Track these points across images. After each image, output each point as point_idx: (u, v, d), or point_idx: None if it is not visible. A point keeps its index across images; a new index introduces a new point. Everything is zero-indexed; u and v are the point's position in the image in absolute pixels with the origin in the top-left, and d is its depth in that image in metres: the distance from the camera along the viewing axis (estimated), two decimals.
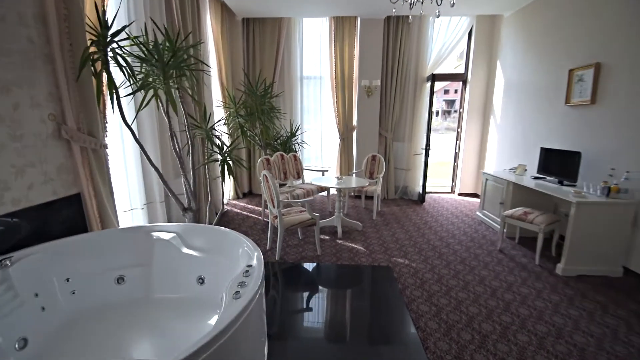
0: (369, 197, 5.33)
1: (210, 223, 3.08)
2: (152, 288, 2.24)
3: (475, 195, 5.90)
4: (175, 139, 2.81)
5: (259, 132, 4.90)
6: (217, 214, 4.68)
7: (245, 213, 4.72)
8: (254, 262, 1.76)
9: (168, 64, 2.18)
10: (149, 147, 3.05)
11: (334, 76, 5.45)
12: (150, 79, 2.31)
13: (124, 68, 2.20)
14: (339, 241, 3.72)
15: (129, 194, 3.03)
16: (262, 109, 4.72)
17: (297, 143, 5.46)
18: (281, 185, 4.75)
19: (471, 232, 4.06)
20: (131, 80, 2.27)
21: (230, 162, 3.23)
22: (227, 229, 2.25)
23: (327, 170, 4.93)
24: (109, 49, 2.11)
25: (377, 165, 4.93)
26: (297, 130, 5.50)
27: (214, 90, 4.86)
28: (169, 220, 3.63)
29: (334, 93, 5.51)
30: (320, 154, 5.94)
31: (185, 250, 2.25)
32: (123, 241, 2.27)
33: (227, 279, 1.87)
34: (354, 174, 5.26)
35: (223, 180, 3.03)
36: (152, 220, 3.24)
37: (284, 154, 4.73)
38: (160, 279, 2.25)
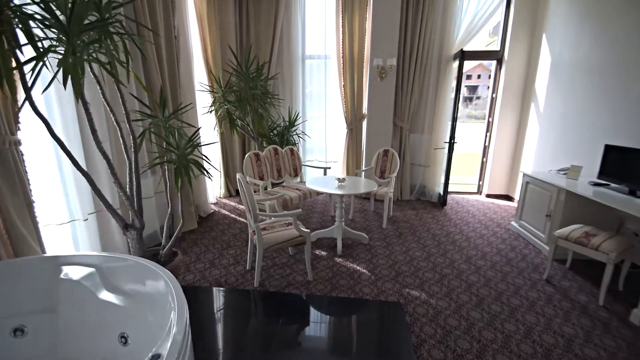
0: (380, 199, 4.55)
1: (178, 235, 2.41)
2: (60, 345, 1.61)
3: (507, 197, 5.00)
4: (120, 132, 2.11)
5: (251, 121, 4.16)
6: (200, 217, 4.04)
7: (233, 216, 4.06)
8: (164, 351, 1.05)
9: (72, 23, 1.47)
10: (90, 143, 2.39)
11: (342, 55, 4.60)
12: (58, 47, 1.60)
13: (26, 32, 1.51)
14: (338, 260, 2.99)
15: (69, 201, 2.40)
16: (253, 94, 3.97)
17: (297, 134, 4.70)
18: (274, 185, 4.04)
19: (506, 250, 3.23)
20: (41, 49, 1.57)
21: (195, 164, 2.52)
22: (161, 270, 1.56)
23: (330, 168, 4.18)
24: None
25: (390, 162, 4.12)
26: (297, 118, 4.73)
27: (197, 71, 4.13)
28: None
29: (341, 75, 4.68)
30: (325, 146, 5.16)
31: (103, 295, 1.58)
32: (22, 278, 1.63)
33: (157, 340, 1.20)
34: (362, 173, 4.47)
35: (178, 189, 2.32)
36: (103, 234, 2.61)
37: (278, 147, 3.99)
38: (71, 332, 1.61)
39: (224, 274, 2.75)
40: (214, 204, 4.64)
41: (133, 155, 2.10)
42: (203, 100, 4.20)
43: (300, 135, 4.83)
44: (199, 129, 2.70)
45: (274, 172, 3.90)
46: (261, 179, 3.70)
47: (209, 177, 2.36)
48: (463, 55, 4.13)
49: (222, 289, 2.53)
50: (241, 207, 4.40)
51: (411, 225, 3.88)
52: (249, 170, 3.59)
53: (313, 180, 3.38)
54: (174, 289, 1.38)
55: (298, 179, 4.21)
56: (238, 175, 2.44)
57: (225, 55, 4.46)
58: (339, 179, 3.21)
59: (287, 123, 4.60)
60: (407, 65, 4.47)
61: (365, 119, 4.75)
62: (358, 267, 2.85)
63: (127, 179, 2.15)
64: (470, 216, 4.23)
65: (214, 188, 4.67)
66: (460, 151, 10.10)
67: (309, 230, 2.55)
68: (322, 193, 3.05)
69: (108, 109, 2.01)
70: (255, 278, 2.54)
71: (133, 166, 2.10)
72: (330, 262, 2.94)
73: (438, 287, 2.56)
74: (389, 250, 3.20)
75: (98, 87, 1.95)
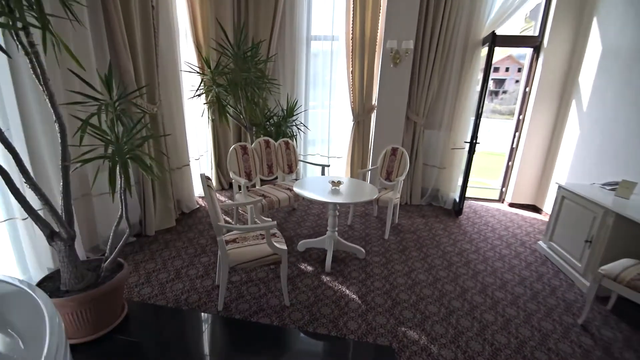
0: (384, 205, 4.03)
1: (122, 246, 2.01)
2: None
3: (534, 208, 4.36)
4: (58, 119, 1.67)
5: (247, 108, 3.68)
6: (183, 213, 3.65)
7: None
8: None
9: None
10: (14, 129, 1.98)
11: (351, 36, 4.02)
12: None
13: None
14: (326, 278, 2.52)
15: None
16: (245, 77, 3.48)
17: (296, 125, 4.19)
18: (264, 182, 3.58)
19: (531, 279, 2.67)
20: None
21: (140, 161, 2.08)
22: (44, 302, 1.12)
23: (329, 166, 3.67)
24: None
25: (398, 163, 3.56)
26: (295, 107, 4.21)
27: (184, 49, 3.67)
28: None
29: (349, 59, 4.10)
30: (328, 139, 4.63)
31: None
32: None
33: None
34: (368, 173, 3.94)
35: (112, 195, 1.84)
36: (32, 238, 2.21)
37: (269, 139, 3.51)
38: None
39: (187, 288, 2.33)
40: (204, 197, 4.24)
41: (61, 145, 1.66)
42: (193, 83, 3.74)
43: (300, 127, 4.32)
44: (144, 115, 2.21)
45: (263, 168, 3.44)
46: (248, 175, 3.25)
47: (154, 178, 1.89)
48: (494, 40, 3.46)
49: (177, 309, 2.12)
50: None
51: (418, 237, 3.35)
52: (234, 164, 3.14)
53: (303, 182, 2.88)
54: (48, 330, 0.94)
55: (293, 176, 3.74)
56: (201, 174, 1.98)
57: (220, 32, 3.97)
58: (333, 182, 2.71)
59: (285, 112, 4.09)
60: (425, 50, 3.85)
61: (375, 111, 4.18)
62: (347, 291, 2.38)
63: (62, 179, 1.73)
64: (490, 230, 3.64)
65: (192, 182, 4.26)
66: (481, 149, 9.36)
67: (285, 248, 2.08)
68: (311, 201, 2.55)
69: (43, 89, 1.56)
70: (219, 301, 2.11)
71: (61, 161, 1.67)
72: (316, 281, 2.48)
73: (443, 327, 2.06)
74: (387, 269, 2.71)
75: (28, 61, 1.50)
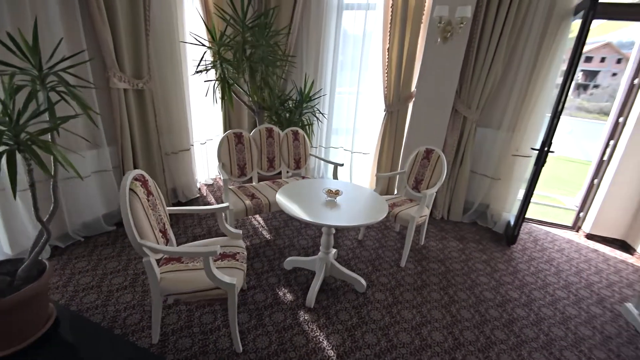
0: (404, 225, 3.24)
1: (39, 251, 1.63)
2: None
3: (623, 246, 3.20)
4: None
5: (252, 89, 3.15)
6: (179, 202, 3.31)
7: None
8: None
9: None
10: None
11: (392, 3, 3.19)
12: None
13: None
14: (304, 316, 1.93)
15: None
16: (253, 52, 2.93)
17: (312, 113, 3.55)
18: (262, 179, 3.04)
19: None
20: None
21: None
22: None
23: (342, 165, 2.98)
24: None
25: (431, 171, 2.75)
26: (312, 88, 3.55)
27: (192, 18, 3.21)
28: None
29: (387, 33, 3.29)
30: (353, 130, 3.90)
31: None
32: None
33: None
34: (396, 179, 3.18)
35: (14, 194, 1.40)
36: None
37: (273, 127, 2.94)
38: None
39: (135, 303, 1.93)
40: (209, 185, 3.89)
41: None
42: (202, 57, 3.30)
43: (317, 115, 3.66)
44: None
45: (262, 161, 2.89)
46: (242, 169, 2.74)
47: (67, 169, 1.42)
48: (594, 8, 2.38)
49: (107, 331, 1.72)
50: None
51: (447, 270, 2.56)
52: (225, 156, 2.64)
53: (291, 187, 2.27)
54: None
55: (302, 172, 3.15)
56: (132, 174, 1.49)
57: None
58: (329, 192, 2.06)
59: (300, 96, 3.46)
60: (489, 21, 2.88)
61: (413, 100, 3.35)
62: (325, 343, 1.76)
63: None
64: (553, 272, 2.68)
65: (209, 166, 3.89)
66: (553, 152, 7.71)
67: (234, 283, 1.51)
68: (295, 219, 1.92)
69: None
70: (152, 333, 1.66)
71: None
72: (290, 318, 1.90)
73: None
74: (391, 315, 2.02)
75: None
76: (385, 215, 1.95)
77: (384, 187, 3.81)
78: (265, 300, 2.04)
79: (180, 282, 1.53)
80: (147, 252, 1.43)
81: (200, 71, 3.06)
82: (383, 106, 3.55)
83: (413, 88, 3.40)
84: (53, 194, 1.61)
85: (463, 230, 3.30)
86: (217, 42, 2.97)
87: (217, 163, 2.64)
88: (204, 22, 3.14)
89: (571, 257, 2.94)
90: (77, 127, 2.30)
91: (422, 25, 3.19)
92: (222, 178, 2.42)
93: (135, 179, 1.48)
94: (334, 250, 2.43)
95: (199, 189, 3.68)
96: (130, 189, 1.42)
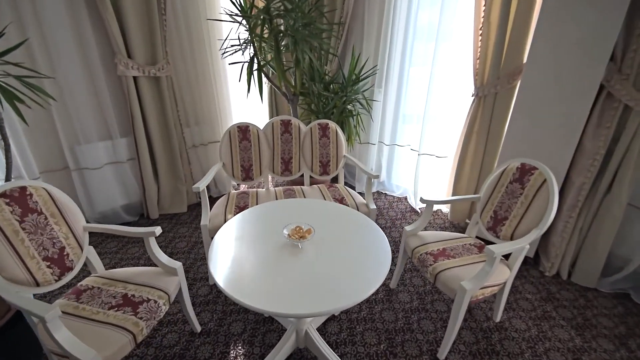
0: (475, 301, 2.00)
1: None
2: None
3: None
4: None
5: (278, 69, 2.54)
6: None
7: None
8: None
9: None
10: None
11: None
12: None
13: None
14: None
15: None
16: (286, 23, 2.30)
17: (358, 101, 2.66)
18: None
19: None
20: None
21: None
22: None
23: (378, 177, 2.03)
24: None
25: (526, 205, 1.53)
26: (357, 63, 2.62)
27: None
28: None
29: None
30: (422, 124, 2.76)
31: None
32: None
33: None
34: (476, 219, 2.03)
35: None
36: None
37: (291, 119, 2.26)
38: None
39: None
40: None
41: None
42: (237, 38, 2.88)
43: (365, 102, 2.72)
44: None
45: (275, 163, 2.29)
46: (246, 172, 2.22)
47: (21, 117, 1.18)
48: None
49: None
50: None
51: None
52: (226, 155, 2.18)
53: (246, 216, 1.59)
54: None
55: (328, 178, 2.41)
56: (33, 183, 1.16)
57: None
58: (294, 233, 1.30)
59: (345, 80, 2.60)
60: None
61: (521, 77, 2.02)
62: None
63: None
64: None
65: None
66: None
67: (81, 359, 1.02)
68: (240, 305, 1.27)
69: None
70: None
71: None
72: None
73: None
74: None
75: None
76: (371, 292, 1.08)
77: (464, 211, 2.61)
78: (208, 359, 1.51)
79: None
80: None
81: (231, 53, 2.63)
82: (472, 88, 2.34)
83: (525, 57, 2.06)
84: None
85: (594, 306, 1.87)
86: (242, 14, 2.46)
87: (221, 162, 2.20)
88: None
89: None
90: (85, 117, 2.26)
91: None
92: (201, 184, 1.93)
93: (2, 195, 1.15)
94: None
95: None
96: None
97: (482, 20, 2.15)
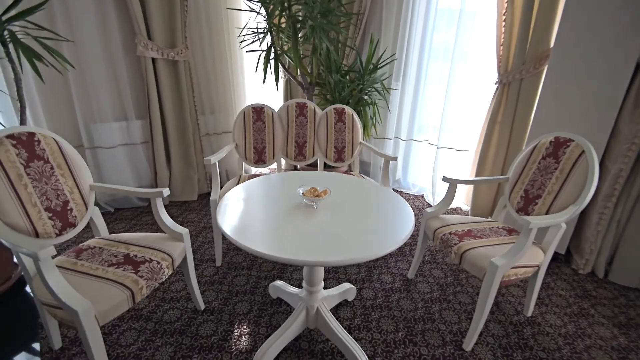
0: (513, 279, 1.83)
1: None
2: None
3: None
4: None
5: (294, 57, 2.53)
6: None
7: None
8: None
9: None
10: None
11: None
12: None
13: None
14: None
15: None
16: (294, 9, 2.31)
17: (376, 90, 2.60)
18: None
19: None
20: None
21: None
22: None
23: (396, 159, 1.95)
24: None
25: (562, 179, 1.40)
26: (375, 50, 2.58)
27: None
28: None
29: None
30: (440, 118, 2.67)
31: None
32: None
33: None
34: (504, 207, 1.90)
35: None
36: None
37: (307, 103, 2.21)
38: None
39: None
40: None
41: None
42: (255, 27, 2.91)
43: (383, 91, 2.66)
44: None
45: (289, 147, 2.22)
46: (259, 154, 2.16)
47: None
48: None
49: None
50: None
51: None
52: (239, 135, 2.14)
53: (252, 184, 1.52)
54: None
55: (344, 166, 2.32)
56: None
57: None
58: (310, 193, 1.21)
59: (362, 68, 2.56)
60: None
61: (548, 63, 1.93)
62: None
63: None
64: None
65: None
66: None
67: (76, 309, 0.93)
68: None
69: None
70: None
71: None
72: None
73: None
74: None
75: None
76: (388, 251, 0.97)
77: (487, 206, 2.47)
78: (210, 336, 1.39)
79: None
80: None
81: (249, 43, 2.64)
82: (494, 76, 2.26)
83: (552, 42, 1.98)
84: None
85: (638, 306, 1.67)
86: (261, 1, 2.48)
87: (234, 143, 2.15)
88: None
89: None
90: (102, 96, 2.27)
91: None
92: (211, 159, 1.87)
93: (9, 136, 1.11)
94: (331, 292, 1.54)
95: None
96: None
97: (505, 5, 2.09)
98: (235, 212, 1.20)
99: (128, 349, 1.32)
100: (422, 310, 1.60)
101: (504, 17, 2.12)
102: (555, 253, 2.09)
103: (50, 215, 1.18)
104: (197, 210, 2.59)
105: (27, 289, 1.64)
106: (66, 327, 1.38)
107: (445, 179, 1.67)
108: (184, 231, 1.37)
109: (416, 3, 2.57)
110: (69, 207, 1.25)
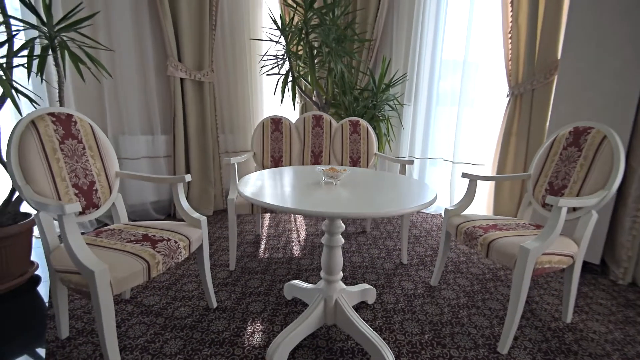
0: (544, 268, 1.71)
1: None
2: None
3: None
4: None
5: (311, 79, 2.68)
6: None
7: (287, 216, 2.79)
8: None
9: None
10: None
11: None
12: None
13: None
14: None
15: None
16: (311, 35, 2.51)
17: (389, 105, 2.70)
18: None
19: None
20: None
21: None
22: None
23: (412, 162, 1.95)
24: None
25: (586, 166, 1.37)
26: (387, 68, 2.71)
27: (265, 14, 3.15)
28: None
29: None
30: (454, 134, 2.70)
31: None
32: None
33: None
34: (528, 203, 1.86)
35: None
36: None
37: (323, 115, 2.30)
38: None
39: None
40: None
41: None
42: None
43: (396, 105, 2.75)
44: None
45: (305, 156, 2.27)
46: (276, 163, 2.21)
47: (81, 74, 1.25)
48: None
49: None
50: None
51: None
52: (257, 144, 2.21)
53: (273, 170, 1.54)
54: None
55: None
56: (36, 112, 1.21)
57: None
58: (327, 172, 1.22)
59: (375, 86, 2.69)
60: None
61: (557, 73, 1.99)
62: None
63: None
64: None
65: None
66: None
67: (93, 269, 0.91)
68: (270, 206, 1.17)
69: None
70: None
71: None
72: None
73: None
74: None
75: None
76: (427, 200, 0.94)
77: (509, 213, 2.38)
78: (221, 332, 1.31)
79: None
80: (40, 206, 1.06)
81: (269, 68, 2.84)
82: (506, 87, 2.32)
83: (559, 52, 2.07)
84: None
85: None
86: (281, 30, 2.72)
87: (252, 151, 2.21)
88: (269, 13, 2.99)
89: None
90: (132, 111, 2.42)
91: None
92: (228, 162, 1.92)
93: (51, 114, 1.19)
94: (350, 288, 1.46)
95: None
96: (32, 122, 1.12)
97: (510, 24, 2.23)
98: (256, 185, 1.21)
99: (136, 341, 1.25)
100: (448, 314, 1.48)
101: (509, 36, 2.24)
102: (590, 264, 1.95)
103: (77, 192, 1.21)
104: (212, 224, 2.58)
105: (39, 288, 1.61)
106: (76, 307, 1.33)
107: (464, 174, 1.64)
108: (202, 218, 1.37)
109: (425, 26, 2.75)
110: (94, 188, 1.28)
